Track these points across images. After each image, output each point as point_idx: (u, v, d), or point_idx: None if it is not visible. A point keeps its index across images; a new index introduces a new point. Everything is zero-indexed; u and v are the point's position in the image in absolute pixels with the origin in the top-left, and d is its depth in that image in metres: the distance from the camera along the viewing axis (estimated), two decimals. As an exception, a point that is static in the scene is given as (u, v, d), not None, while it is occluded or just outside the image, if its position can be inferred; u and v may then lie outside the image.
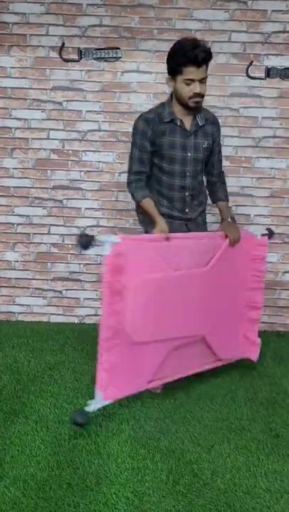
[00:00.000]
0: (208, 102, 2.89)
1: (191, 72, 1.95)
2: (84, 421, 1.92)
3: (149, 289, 2.00)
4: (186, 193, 2.19)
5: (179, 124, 2.10)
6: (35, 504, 1.56)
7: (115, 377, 1.98)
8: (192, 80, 1.97)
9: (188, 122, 2.13)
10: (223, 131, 2.90)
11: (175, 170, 2.14)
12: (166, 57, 2.02)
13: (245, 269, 2.35)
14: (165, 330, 2.10)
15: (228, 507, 1.58)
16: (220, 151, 2.31)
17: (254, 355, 2.48)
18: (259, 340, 2.46)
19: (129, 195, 2.22)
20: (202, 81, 1.99)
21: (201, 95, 2.02)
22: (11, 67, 2.92)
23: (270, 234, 2.43)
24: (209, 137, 2.20)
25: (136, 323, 1.98)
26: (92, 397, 2.01)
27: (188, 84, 1.99)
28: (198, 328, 2.23)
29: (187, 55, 1.92)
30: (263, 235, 2.39)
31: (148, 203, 2.12)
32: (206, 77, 2.01)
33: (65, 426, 2.00)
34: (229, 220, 2.28)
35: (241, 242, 2.25)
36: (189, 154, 2.13)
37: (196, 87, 1.98)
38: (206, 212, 2.45)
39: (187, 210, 2.22)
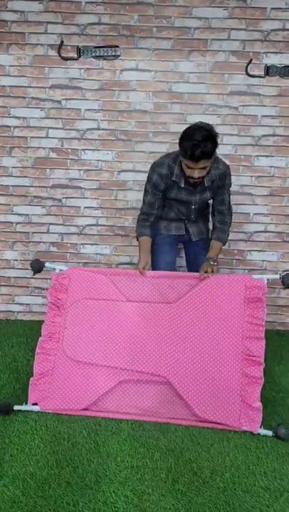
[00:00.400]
0: (207, 100, 2.90)
1: (188, 163, 2.01)
2: (4, 412, 2.07)
3: (90, 311, 2.20)
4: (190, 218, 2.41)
5: (183, 186, 2.18)
6: (35, 503, 1.56)
7: (45, 385, 2.12)
8: (191, 167, 2.02)
9: None
10: (223, 129, 2.92)
11: (181, 209, 2.32)
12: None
13: (238, 315, 2.13)
14: (108, 356, 2.13)
15: (227, 505, 1.58)
16: (223, 193, 2.30)
17: (253, 424, 1.99)
18: (259, 405, 1.99)
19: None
20: (202, 168, 2.02)
21: (200, 177, 2.08)
22: (10, 66, 2.91)
23: (284, 283, 2.12)
24: (215, 189, 2.27)
25: (71, 339, 2.17)
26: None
27: (188, 167, 2.04)
28: (156, 366, 2.09)
29: (185, 152, 1.97)
30: (268, 280, 2.16)
31: (142, 242, 2.29)
32: (208, 165, 2.03)
33: (64, 425, 2.00)
34: (211, 260, 2.23)
35: (230, 285, 2.16)
36: (194, 207, 2.30)
37: (193, 173, 2.04)
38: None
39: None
